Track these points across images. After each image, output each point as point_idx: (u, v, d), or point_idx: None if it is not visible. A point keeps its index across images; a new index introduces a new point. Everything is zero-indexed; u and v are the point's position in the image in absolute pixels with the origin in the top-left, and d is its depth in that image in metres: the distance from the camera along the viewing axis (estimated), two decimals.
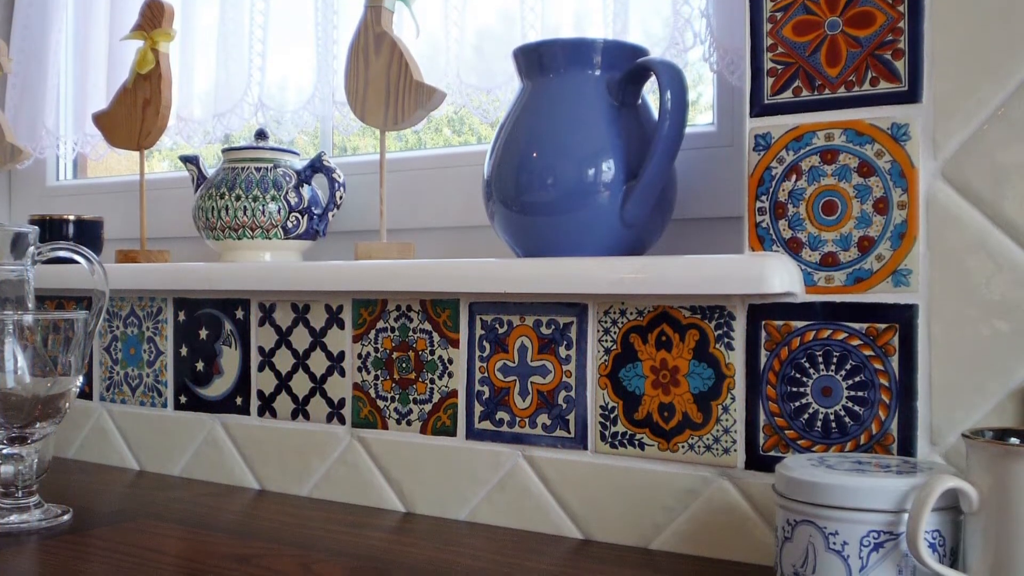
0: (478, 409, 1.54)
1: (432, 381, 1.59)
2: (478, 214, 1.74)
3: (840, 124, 1.25)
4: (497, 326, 1.52)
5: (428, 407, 1.59)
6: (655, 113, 1.44)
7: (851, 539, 1.01)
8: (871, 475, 1.04)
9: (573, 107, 1.42)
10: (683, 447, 1.37)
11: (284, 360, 1.75)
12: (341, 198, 1.85)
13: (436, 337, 1.58)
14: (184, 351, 1.89)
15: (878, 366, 1.23)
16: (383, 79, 1.70)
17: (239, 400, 1.81)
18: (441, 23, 1.77)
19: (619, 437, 1.42)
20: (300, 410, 1.73)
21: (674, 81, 1.36)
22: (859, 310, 1.24)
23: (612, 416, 1.43)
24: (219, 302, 1.84)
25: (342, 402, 1.68)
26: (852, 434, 1.25)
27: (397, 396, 1.62)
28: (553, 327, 1.47)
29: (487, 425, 1.53)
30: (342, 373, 1.68)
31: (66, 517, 1.54)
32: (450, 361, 1.57)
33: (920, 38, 1.21)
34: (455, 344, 1.56)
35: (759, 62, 1.31)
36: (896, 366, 1.22)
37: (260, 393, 1.78)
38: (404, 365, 1.61)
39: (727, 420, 1.34)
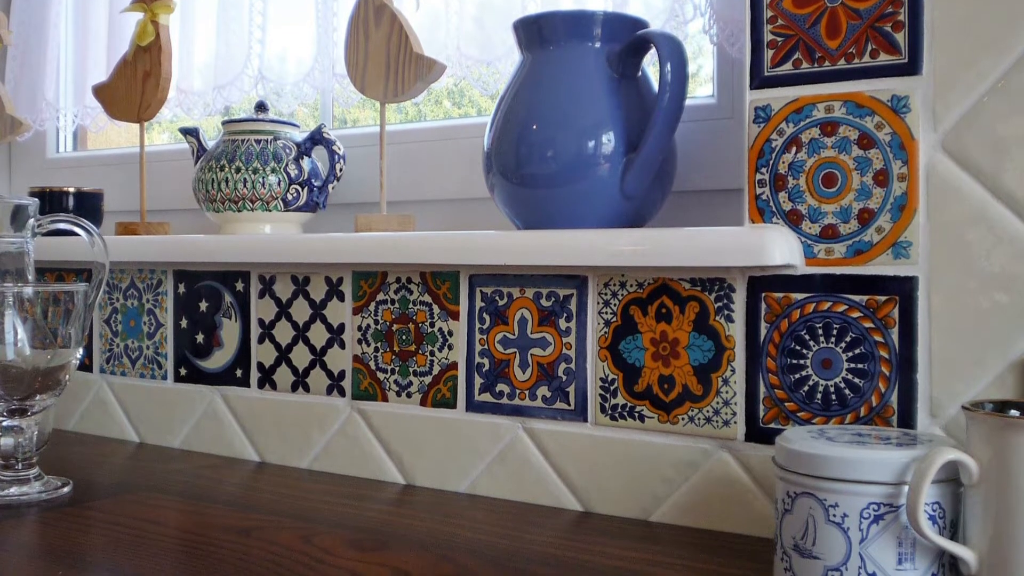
0: (478, 381, 1.54)
1: (432, 353, 1.59)
2: (478, 186, 1.74)
3: (840, 96, 1.25)
4: (497, 298, 1.52)
5: (428, 379, 1.59)
6: (655, 85, 1.43)
7: (851, 511, 1.02)
8: (871, 447, 1.04)
9: (573, 79, 1.42)
10: (683, 419, 1.37)
11: (284, 332, 1.75)
12: (341, 170, 1.85)
13: (436, 309, 1.58)
14: (184, 323, 1.89)
15: (878, 338, 1.23)
16: (383, 51, 1.69)
17: (239, 372, 1.81)
18: None
19: (619, 409, 1.42)
20: (300, 382, 1.73)
21: (674, 53, 1.35)
22: (859, 282, 1.24)
23: (612, 388, 1.43)
24: (219, 274, 1.84)
25: (342, 374, 1.68)
26: (852, 406, 1.25)
27: (397, 368, 1.62)
28: (553, 299, 1.47)
29: (487, 397, 1.53)
30: (342, 345, 1.68)
31: (66, 489, 1.54)
32: (450, 333, 1.57)
33: (920, 10, 1.21)
34: (455, 316, 1.56)
35: (759, 34, 1.30)
36: (896, 338, 1.22)
37: (260, 365, 1.78)
38: (404, 337, 1.61)
39: (727, 392, 1.34)
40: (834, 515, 1.02)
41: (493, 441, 1.52)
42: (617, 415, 1.43)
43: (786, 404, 1.30)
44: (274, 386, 1.77)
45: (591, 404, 1.45)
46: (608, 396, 1.43)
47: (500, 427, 1.52)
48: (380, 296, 1.63)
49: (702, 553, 1.25)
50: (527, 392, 1.50)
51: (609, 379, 1.43)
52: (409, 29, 1.68)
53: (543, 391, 1.48)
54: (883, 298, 1.23)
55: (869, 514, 1.01)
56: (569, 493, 1.46)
